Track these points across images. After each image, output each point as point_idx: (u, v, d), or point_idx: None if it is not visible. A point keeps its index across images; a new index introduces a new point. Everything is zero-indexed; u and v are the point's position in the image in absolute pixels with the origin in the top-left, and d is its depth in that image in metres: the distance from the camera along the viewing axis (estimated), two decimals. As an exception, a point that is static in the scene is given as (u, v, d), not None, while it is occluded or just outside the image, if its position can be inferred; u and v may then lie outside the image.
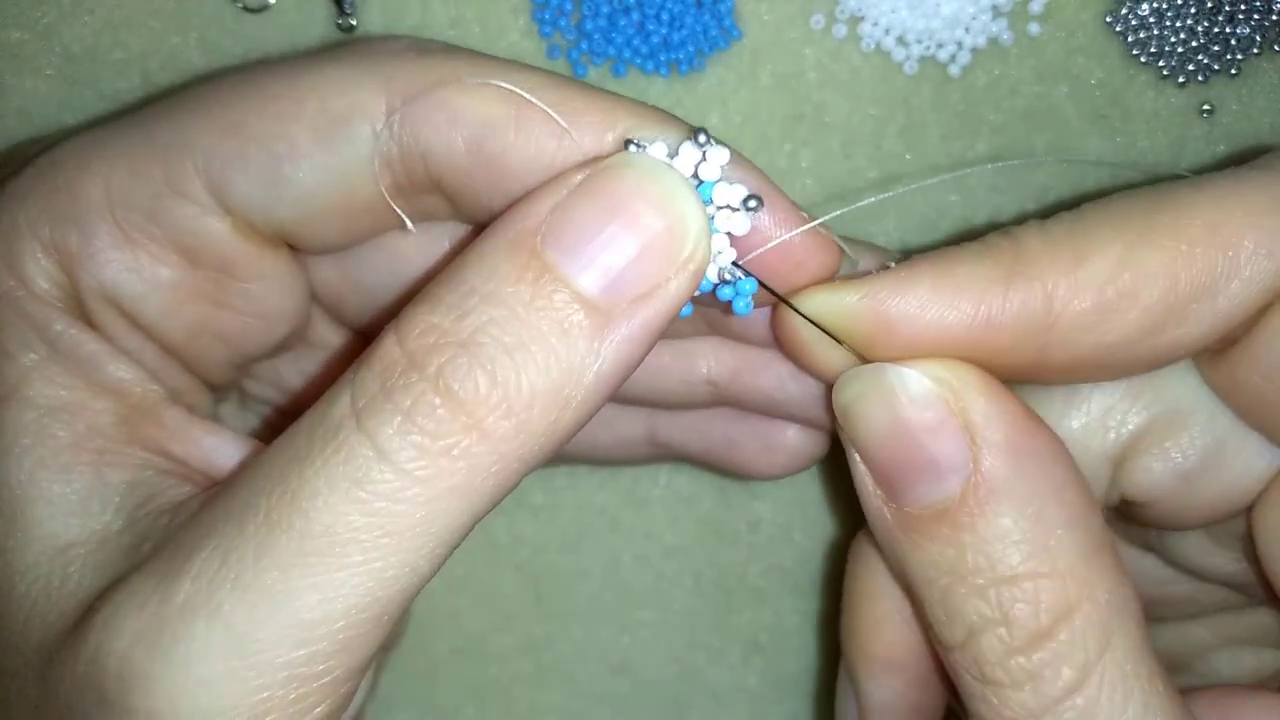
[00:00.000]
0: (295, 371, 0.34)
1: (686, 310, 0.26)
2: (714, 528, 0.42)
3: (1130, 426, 0.30)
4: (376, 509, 0.22)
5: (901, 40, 0.36)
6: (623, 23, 0.36)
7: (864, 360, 0.28)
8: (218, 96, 0.28)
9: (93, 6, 0.36)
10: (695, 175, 0.26)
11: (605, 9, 0.36)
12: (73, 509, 0.27)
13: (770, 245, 0.27)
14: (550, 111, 0.26)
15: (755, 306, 0.28)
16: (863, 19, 0.36)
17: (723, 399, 0.34)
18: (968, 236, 0.39)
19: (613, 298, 0.24)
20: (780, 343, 0.30)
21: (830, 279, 0.28)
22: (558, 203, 0.24)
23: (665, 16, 0.36)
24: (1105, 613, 0.25)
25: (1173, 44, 0.37)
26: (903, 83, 0.37)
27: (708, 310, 0.32)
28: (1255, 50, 0.37)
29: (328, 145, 0.27)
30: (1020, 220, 0.39)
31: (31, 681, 0.26)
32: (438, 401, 0.23)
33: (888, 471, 0.27)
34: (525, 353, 0.23)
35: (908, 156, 0.38)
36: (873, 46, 0.36)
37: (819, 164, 0.38)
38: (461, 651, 0.43)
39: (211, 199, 0.28)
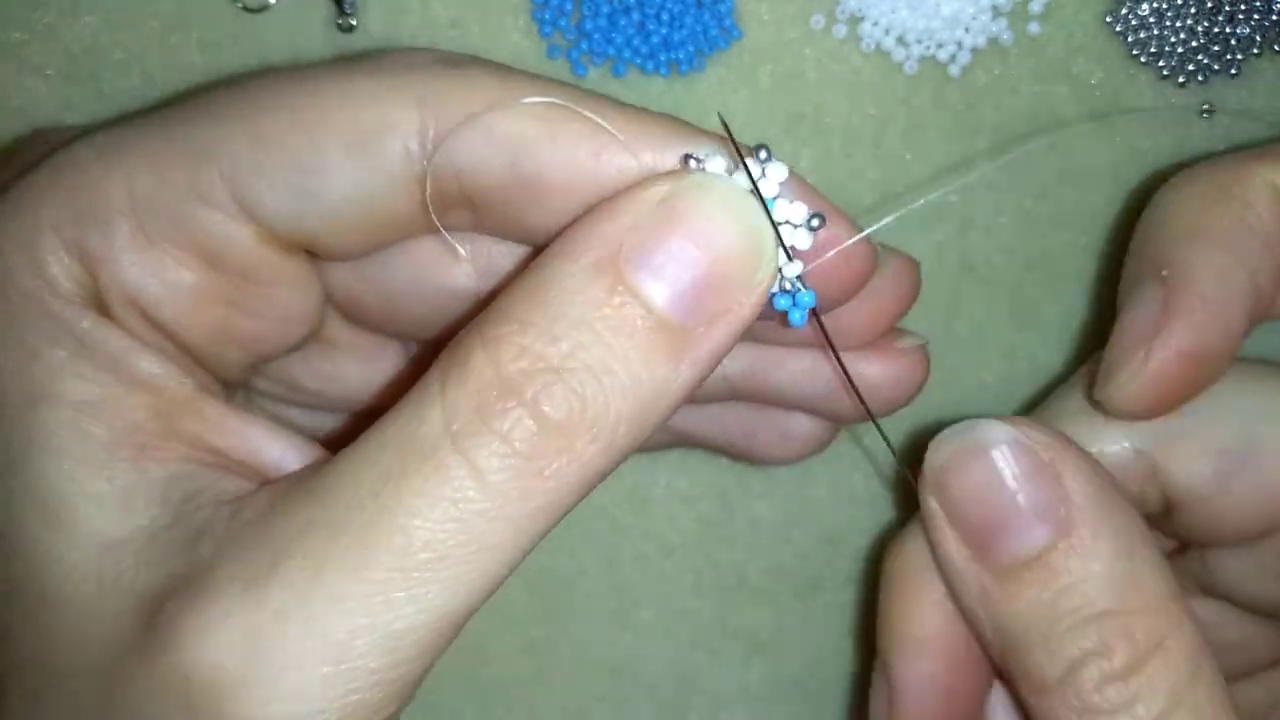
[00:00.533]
0: (305, 368, 0.33)
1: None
2: (714, 528, 0.42)
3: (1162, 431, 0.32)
4: (473, 526, 0.23)
5: (901, 40, 0.36)
6: (623, 23, 0.36)
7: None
8: (245, 102, 0.28)
9: (93, 6, 0.36)
10: (754, 191, 0.26)
11: (605, 9, 0.36)
12: (117, 505, 0.26)
13: (829, 255, 0.28)
14: (609, 128, 0.26)
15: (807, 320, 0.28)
16: (863, 19, 0.36)
17: (738, 393, 0.34)
18: (967, 237, 0.39)
19: (692, 320, 0.25)
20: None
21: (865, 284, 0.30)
22: (636, 223, 0.25)
23: (665, 16, 0.36)
24: (1192, 644, 0.27)
25: (1173, 44, 0.37)
26: (903, 83, 0.37)
27: None
28: (1255, 50, 0.37)
29: (359, 160, 0.27)
30: (1021, 219, 0.39)
31: (91, 683, 0.25)
32: (534, 426, 0.24)
33: (979, 527, 0.29)
34: (613, 377, 0.24)
35: (908, 156, 0.38)
36: (873, 46, 0.36)
37: (819, 164, 0.38)
38: (461, 652, 0.42)
39: (236, 206, 0.28)
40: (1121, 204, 0.38)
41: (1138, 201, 0.38)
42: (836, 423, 0.35)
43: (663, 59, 0.36)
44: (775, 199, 0.26)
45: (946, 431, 0.30)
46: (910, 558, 0.32)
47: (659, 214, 0.25)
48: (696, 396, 0.34)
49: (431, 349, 0.34)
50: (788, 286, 0.27)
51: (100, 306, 0.28)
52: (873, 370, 0.33)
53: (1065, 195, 0.38)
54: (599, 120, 0.26)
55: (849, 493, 0.41)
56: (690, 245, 0.25)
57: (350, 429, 0.36)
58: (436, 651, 0.24)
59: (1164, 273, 0.30)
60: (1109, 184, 0.38)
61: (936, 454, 0.30)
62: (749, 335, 0.33)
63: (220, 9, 0.36)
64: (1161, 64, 0.37)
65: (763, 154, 0.26)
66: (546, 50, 0.36)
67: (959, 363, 0.40)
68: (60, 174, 0.28)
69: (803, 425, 0.35)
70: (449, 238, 0.28)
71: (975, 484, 0.29)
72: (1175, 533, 0.34)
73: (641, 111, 0.28)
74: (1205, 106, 0.37)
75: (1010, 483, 0.28)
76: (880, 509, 0.42)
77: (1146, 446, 0.32)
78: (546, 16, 0.36)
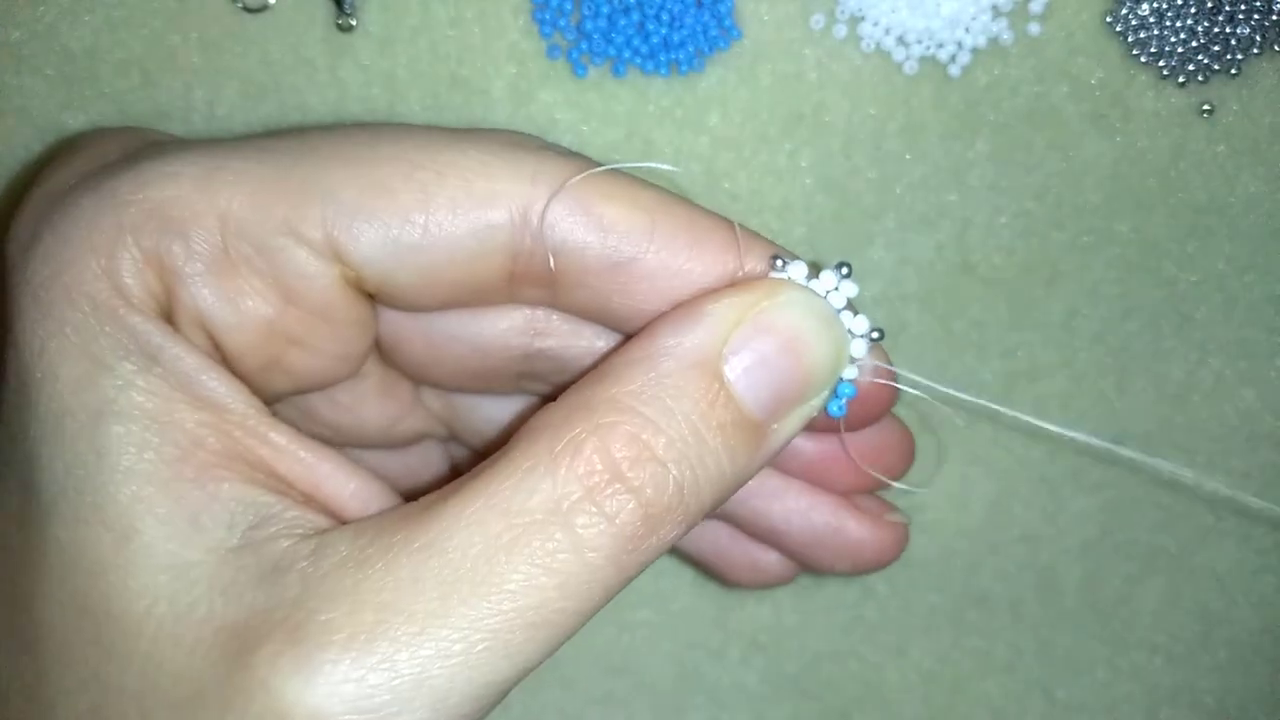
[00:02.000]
0: (324, 399, 0.33)
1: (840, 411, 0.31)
2: (714, 528, 0.42)
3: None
4: (573, 596, 0.25)
5: (901, 40, 0.36)
6: (623, 23, 0.36)
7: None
8: (361, 147, 0.28)
9: (93, 6, 0.36)
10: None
11: (605, 9, 0.36)
12: (185, 526, 0.26)
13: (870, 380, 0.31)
14: (736, 225, 0.29)
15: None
16: (863, 19, 0.36)
17: (726, 515, 0.36)
18: (967, 237, 0.39)
19: (772, 418, 0.28)
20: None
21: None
22: (738, 327, 0.27)
23: (665, 16, 0.36)
24: None
25: (1173, 44, 0.37)
26: (903, 83, 0.37)
27: None
28: (1255, 50, 0.37)
29: (464, 225, 0.28)
30: (1021, 219, 0.39)
31: (163, 708, 0.25)
32: (637, 510, 0.26)
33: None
34: (705, 469, 0.27)
35: (908, 156, 0.38)
36: (873, 46, 0.36)
37: (819, 164, 0.38)
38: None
39: (328, 246, 0.28)
40: (1121, 204, 0.38)
41: (1138, 201, 0.38)
42: (810, 569, 0.37)
43: (663, 59, 0.36)
44: (842, 310, 0.29)
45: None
46: None
47: (759, 322, 0.28)
48: None
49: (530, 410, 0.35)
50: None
51: (172, 322, 0.28)
52: (861, 532, 0.35)
53: (1065, 195, 0.38)
54: (705, 213, 0.29)
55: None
56: (784, 354, 0.28)
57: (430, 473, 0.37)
58: (506, 693, 0.26)
59: None
60: (1109, 184, 0.38)
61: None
62: None
63: (220, 9, 0.36)
64: (1161, 64, 0.37)
65: (844, 269, 0.29)
66: (546, 50, 0.37)
67: (959, 363, 0.40)
68: (148, 182, 0.28)
69: (774, 563, 0.37)
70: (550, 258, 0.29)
71: None
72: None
73: (723, 220, 0.30)
74: (1205, 107, 0.37)
75: None
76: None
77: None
78: (546, 16, 0.36)
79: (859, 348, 0.29)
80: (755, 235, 0.29)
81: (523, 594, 0.25)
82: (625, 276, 0.29)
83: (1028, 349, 0.40)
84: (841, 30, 0.36)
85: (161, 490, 0.26)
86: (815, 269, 0.29)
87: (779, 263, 0.29)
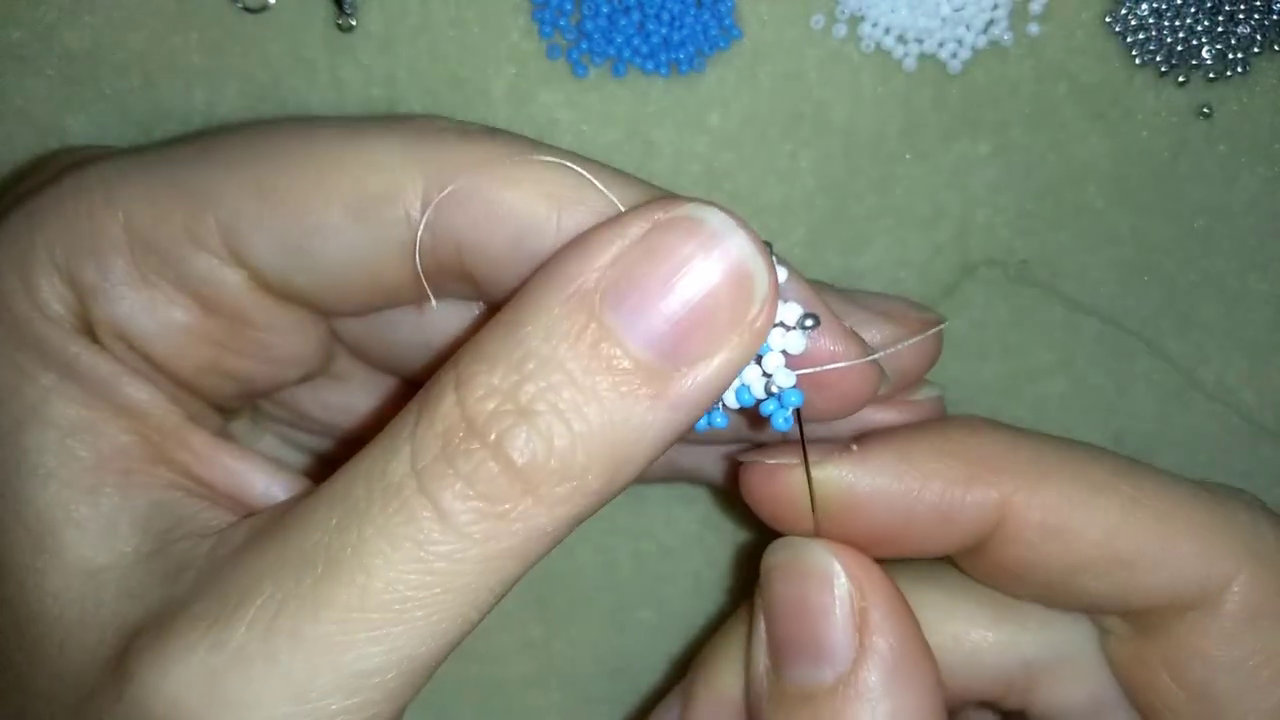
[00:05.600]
0: (312, 399, 0.33)
1: (722, 422, 0.27)
2: (713, 528, 0.42)
3: (1027, 654, 0.32)
4: (437, 569, 0.23)
5: (902, 40, 0.36)
6: (623, 22, 0.36)
7: (813, 532, 0.30)
8: (251, 151, 0.28)
9: (93, 6, 0.36)
10: None
11: (605, 9, 0.36)
12: (101, 531, 0.26)
13: (828, 368, 0.27)
14: (615, 200, 0.26)
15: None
16: (863, 19, 0.36)
17: (744, 436, 0.34)
18: (967, 235, 0.39)
19: (673, 362, 0.23)
20: (750, 489, 0.31)
21: (868, 401, 0.29)
22: (617, 256, 0.24)
23: (665, 16, 0.36)
24: None
25: (1172, 44, 0.37)
26: (903, 82, 0.37)
27: None
28: (1255, 50, 0.37)
29: (359, 224, 0.27)
30: (1021, 219, 0.39)
31: (66, 710, 0.25)
32: (497, 469, 0.23)
33: (780, 641, 0.29)
34: (582, 419, 0.23)
35: (908, 156, 0.38)
36: (873, 46, 0.36)
37: (819, 164, 0.38)
38: (459, 652, 0.42)
39: (229, 253, 0.28)
40: (1121, 204, 0.38)
41: (1137, 201, 0.38)
42: None
43: (663, 59, 0.36)
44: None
45: (788, 539, 0.30)
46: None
47: (642, 248, 0.23)
48: (703, 439, 0.34)
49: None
50: (774, 390, 0.26)
51: (90, 333, 0.28)
52: (888, 418, 0.32)
53: (1065, 195, 0.38)
54: (604, 190, 0.26)
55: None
56: (676, 284, 0.23)
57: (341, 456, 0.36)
58: (406, 695, 0.24)
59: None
60: (1109, 184, 0.38)
61: (772, 554, 0.30)
62: (730, 435, 0.32)
63: (220, 9, 0.36)
64: (1161, 64, 0.37)
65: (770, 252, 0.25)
66: (547, 50, 0.37)
67: (959, 363, 0.40)
68: (63, 199, 0.28)
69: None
70: (428, 289, 0.27)
71: (789, 599, 0.29)
72: None
73: (647, 186, 0.27)
74: (1204, 109, 0.37)
75: (815, 614, 0.28)
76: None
77: (1037, 656, 0.31)
78: (546, 16, 0.36)
79: (795, 342, 0.25)
80: (687, 202, 0.25)
81: (376, 568, 0.23)
82: (537, 265, 0.26)
83: (1028, 349, 0.40)
84: (841, 30, 0.36)
85: (80, 496, 0.26)
86: None
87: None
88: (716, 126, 0.37)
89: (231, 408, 0.31)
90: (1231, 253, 0.39)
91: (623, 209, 0.25)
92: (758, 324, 0.24)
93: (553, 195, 0.26)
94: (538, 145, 0.27)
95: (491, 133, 0.28)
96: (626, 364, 0.23)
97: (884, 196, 0.38)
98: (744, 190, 0.38)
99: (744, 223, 0.24)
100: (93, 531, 0.26)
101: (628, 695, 0.43)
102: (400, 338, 0.31)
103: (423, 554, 0.23)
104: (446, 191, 0.26)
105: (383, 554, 0.23)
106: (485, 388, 0.23)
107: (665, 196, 0.26)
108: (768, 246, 0.24)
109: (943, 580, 0.32)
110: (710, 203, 0.24)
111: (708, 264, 0.23)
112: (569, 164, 0.26)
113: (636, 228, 0.24)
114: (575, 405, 0.23)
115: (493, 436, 0.23)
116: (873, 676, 0.27)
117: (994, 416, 0.40)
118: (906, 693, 0.28)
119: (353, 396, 0.34)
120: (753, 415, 0.28)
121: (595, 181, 0.26)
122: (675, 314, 0.23)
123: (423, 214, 0.26)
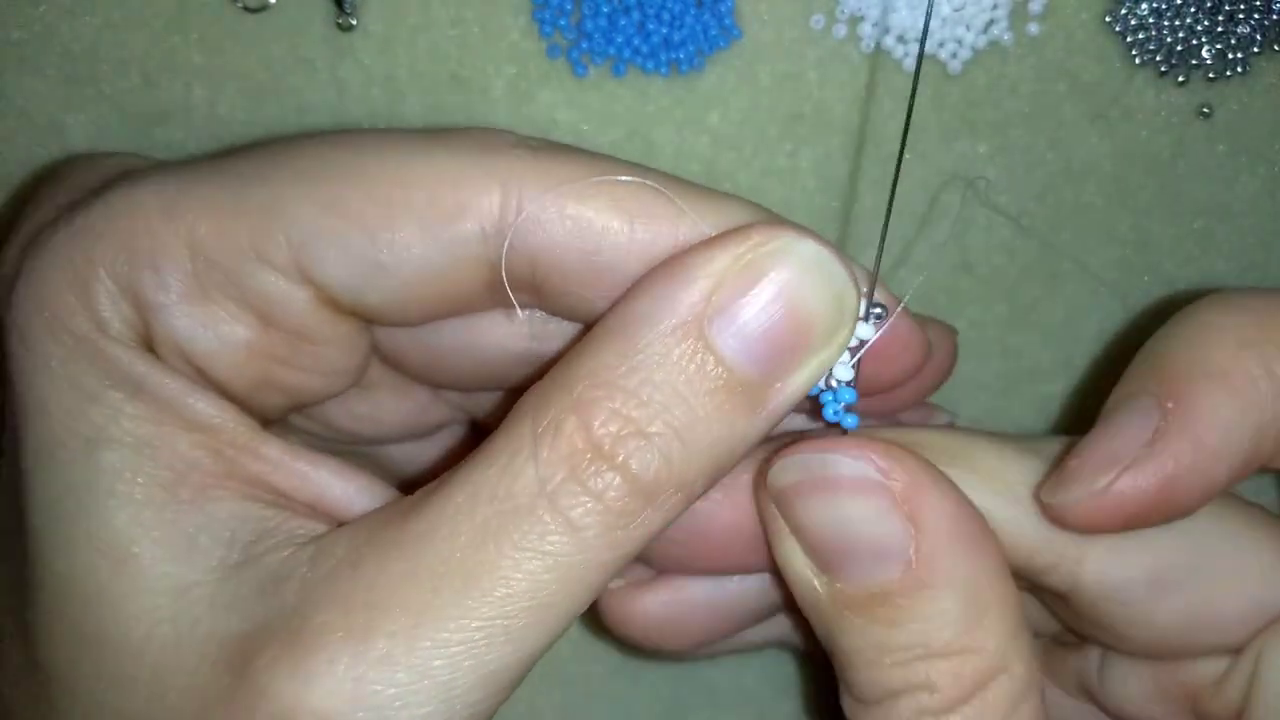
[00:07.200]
0: (341, 410, 0.33)
1: (853, 422, 0.28)
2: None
3: None
4: (569, 577, 0.25)
5: (901, 40, 0.36)
6: (623, 22, 0.36)
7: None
8: (320, 164, 0.28)
9: (92, 6, 0.36)
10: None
11: (605, 9, 0.36)
12: (184, 547, 0.26)
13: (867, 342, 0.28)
14: (692, 213, 0.27)
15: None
16: (863, 19, 0.36)
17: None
18: (967, 237, 0.39)
19: (770, 379, 0.26)
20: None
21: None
22: (720, 282, 0.25)
23: (665, 16, 0.36)
24: (1019, 685, 0.27)
25: (1172, 43, 0.37)
26: (903, 82, 0.37)
27: None
28: (1255, 50, 0.37)
29: (433, 240, 0.27)
30: (1021, 219, 0.39)
31: None
32: (625, 486, 0.25)
33: (827, 553, 0.28)
34: (695, 436, 0.25)
35: (908, 156, 0.38)
36: (873, 46, 0.36)
37: (819, 164, 0.38)
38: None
39: (296, 269, 0.27)
40: (1121, 204, 0.38)
41: (1137, 201, 0.38)
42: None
43: (663, 59, 0.36)
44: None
45: (793, 457, 0.29)
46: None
47: (744, 276, 0.25)
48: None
49: (495, 401, 0.35)
50: (833, 384, 0.28)
51: (152, 350, 0.28)
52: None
53: (1065, 195, 0.38)
54: (682, 205, 0.27)
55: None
56: (776, 309, 0.25)
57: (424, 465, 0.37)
58: (516, 685, 0.26)
59: (1169, 404, 0.28)
60: (1109, 184, 0.38)
61: (778, 478, 0.29)
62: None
63: (220, 9, 0.36)
64: (1161, 64, 0.37)
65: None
66: (547, 50, 0.37)
67: (959, 363, 0.40)
68: (117, 214, 0.27)
69: None
70: (516, 306, 0.29)
71: (826, 518, 0.28)
72: (1070, 622, 0.33)
73: (722, 196, 0.28)
74: (1204, 109, 0.37)
75: (862, 523, 0.28)
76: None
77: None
78: (546, 16, 0.36)
79: (865, 330, 0.27)
80: (759, 215, 0.28)
81: (516, 579, 0.25)
82: (609, 280, 0.28)
83: (1028, 349, 0.40)
84: (841, 30, 0.36)
85: (156, 513, 0.26)
86: None
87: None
88: (716, 126, 0.37)
89: (271, 421, 0.31)
90: (1231, 253, 0.39)
91: (710, 230, 0.27)
92: (838, 341, 0.26)
93: (624, 208, 0.27)
94: (600, 160, 0.28)
95: (557, 146, 0.29)
96: (733, 387, 0.25)
97: (884, 196, 0.38)
98: (744, 190, 0.38)
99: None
100: (175, 548, 0.26)
101: (628, 694, 0.43)
102: (444, 344, 0.31)
103: (556, 564, 0.25)
104: (523, 215, 0.27)
105: (521, 567, 0.25)
106: (607, 412, 0.25)
107: (758, 222, 0.27)
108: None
109: (982, 444, 0.31)
110: (804, 229, 0.26)
111: (806, 290, 0.26)
112: (651, 183, 0.27)
113: (737, 253, 0.26)
114: (689, 424, 0.25)
115: (620, 459, 0.25)
116: (938, 554, 0.27)
117: (994, 416, 0.40)
118: (975, 555, 0.27)
119: (380, 406, 0.34)
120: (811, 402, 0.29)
121: (683, 206, 0.27)
122: (777, 336, 0.25)
123: (498, 229, 0.27)
